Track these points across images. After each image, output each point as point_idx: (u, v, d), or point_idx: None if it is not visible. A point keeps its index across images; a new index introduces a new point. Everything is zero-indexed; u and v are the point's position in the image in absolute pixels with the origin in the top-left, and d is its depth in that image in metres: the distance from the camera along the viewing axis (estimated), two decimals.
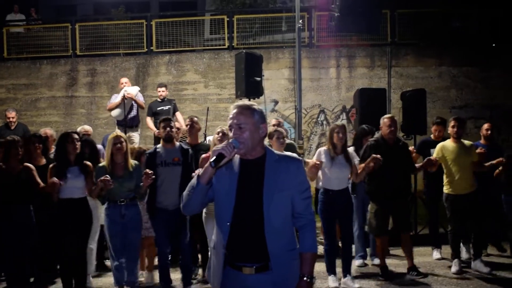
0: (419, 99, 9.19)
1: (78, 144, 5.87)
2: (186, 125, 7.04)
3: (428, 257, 7.71)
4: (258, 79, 9.23)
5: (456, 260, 6.93)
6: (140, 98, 10.14)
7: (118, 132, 6.18)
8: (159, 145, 6.21)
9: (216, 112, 13.02)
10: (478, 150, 7.16)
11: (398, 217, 6.69)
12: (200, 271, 6.80)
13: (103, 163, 5.98)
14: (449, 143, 6.99)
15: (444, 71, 13.15)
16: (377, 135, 6.85)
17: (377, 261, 7.15)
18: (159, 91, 10.30)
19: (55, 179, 5.56)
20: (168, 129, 6.08)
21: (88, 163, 5.96)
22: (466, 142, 7.07)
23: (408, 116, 9.06)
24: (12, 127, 9.36)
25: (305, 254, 3.10)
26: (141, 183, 5.75)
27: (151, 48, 14.01)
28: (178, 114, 10.23)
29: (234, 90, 10.07)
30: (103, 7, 20.80)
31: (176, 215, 5.82)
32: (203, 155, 6.11)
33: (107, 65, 13.88)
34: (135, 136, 10.04)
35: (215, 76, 13.47)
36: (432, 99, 12.44)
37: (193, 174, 5.57)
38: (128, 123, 9.81)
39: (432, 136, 7.94)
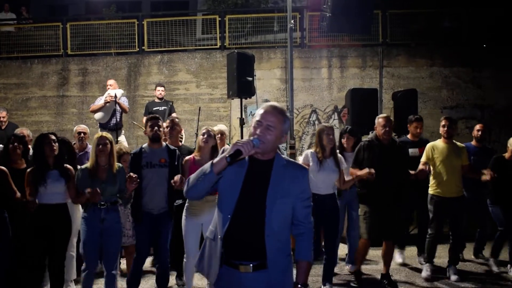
0: (410, 99, 9.23)
1: (56, 145, 5.51)
2: (167, 127, 6.68)
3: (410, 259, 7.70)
4: (250, 79, 9.22)
5: (428, 264, 6.76)
6: (125, 103, 10.02)
7: (103, 132, 5.79)
8: (144, 145, 5.86)
9: (208, 112, 13.01)
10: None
11: (387, 223, 6.21)
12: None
13: (86, 164, 5.57)
14: (439, 143, 6.74)
15: (435, 71, 13.18)
16: (371, 135, 6.54)
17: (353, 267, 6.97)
18: (158, 90, 10.26)
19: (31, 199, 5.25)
20: (155, 128, 5.72)
21: (69, 166, 5.61)
22: (458, 144, 6.83)
23: (399, 116, 9.09)
24: (3, 127, 9.32)
25: (301, 262, 3.12)
26: (125, 187, 5.44)
27: (143, 47, 13.97)
28: (174, 115, 10.20)
29: (226, 90, 10.06)
30: (95, 6, 20.72)
31: (161, 219, 5.63)
32: (186, 157, 5.82)
33: (98, 65, 13.82)
34: (121, 138, 9.92)
35: (207, 76, 13.45)
36: (423, 99, 12.48)
37: (173, 181, 5.42)
38: (112, 127, 9.68)
39: (409, 136, 7.69)
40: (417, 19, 14.13)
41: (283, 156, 3.16)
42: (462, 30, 13.77)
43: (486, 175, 6.69)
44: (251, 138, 2.97)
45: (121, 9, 19.93)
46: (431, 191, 6.77)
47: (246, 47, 13.42)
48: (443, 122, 6.78)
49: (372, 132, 6.64)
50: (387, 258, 6.43)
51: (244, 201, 2.99)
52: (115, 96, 9.46)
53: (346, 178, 6.22)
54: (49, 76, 13.83)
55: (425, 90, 12.85)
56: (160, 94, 10.24)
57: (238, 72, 9.12)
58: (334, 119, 12.96)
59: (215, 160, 2.98)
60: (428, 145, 6.82)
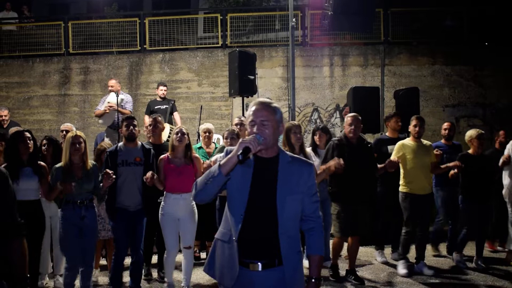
0: (412, 97, 9.22)
1: (31, 143, 5.59)
2: (149, 125, 6.86)
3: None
4: (252, 77, 9.24)
5: (403, 261, 6.85)
6: (128, 104, 9.77)
7: (77, 131, 5.80)
8: (120, 144, 6.00)
9: (210, 110, 13.01)
10: (434, 152, 7.17)
11: (355, 220, 6.33)
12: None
13: (60, 163, 5.57)
14: (409, 142, 6.88)
15: (437, 69, 13.18)
16: (340, 134, 6.62)
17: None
18: (161, 90, 10.17)
19: None
20: (131, 127, 5.87)
21: (43, 163, 5.72)
22: (425, 142, 6.98)
23: (401, 114, 9.08)
24: (5, 125, 9.31)
25: (314, 256, 3.16)
26: (101, 184, 5.57)
27: (144, 46, 13.97)
28: (176, 114, 10.19)
29: (228, 88, 10.06)
30: (96, 5, 20.71)
31: (136, 216, 5.81)
32: (161, 156, 5.98)
33: (100, 63, 13.84)
34: None
35: (208, 75, 13.45)
36: (425, 97, 12.48)
37: (145, 177, 5.61)
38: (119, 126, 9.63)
39: (387, 133, 7.82)
40: (419, 17, 14.13)
41: (287, 152, 3.18)
42: (463, 28, 13.76)
43: (452, 170, 6.94)
44: (254, 135, 2.97)
45: (122, 8, 19.89)
46: (403, 189, 6.87)
47: (247, 45, 13.42)
48: (414, 122, 6.90)
49: (341, 131, 6.72)
50: (353, 254, 6.56)
51: (254, 200, 3.00)
52: (108, 100, 9.39)
53: (318, 172, 6.25)
54: (50, 74, 13.85)
55: (427, 88, 12.85)
56: (163, 94, 10.19)
57: (240, 70, 9.13)
58: (336, 118, 12.96)
59: (223, 161, 2.97)
60: (398, 144, 6.93)
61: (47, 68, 13.91)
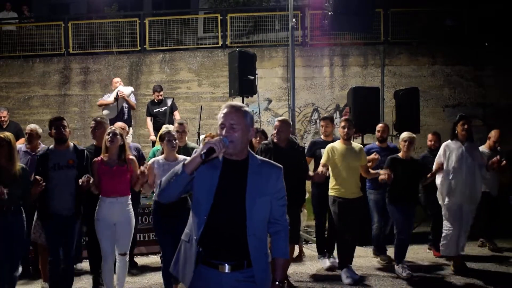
0: (412, 97, 9.22)
1: None
2: (90, 127, 6.44)
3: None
4: (252, 77, 9.21)
5: (346, 270, 6.56)
6: (133, 99, 10.03)
7: (4, 132, 5.39)
8: (51, 146, 5.61)
9: (210, 110, 13.00)
10: (372, 156, 7.00)
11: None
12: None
13: None
14: (338, 145, 6.65)
15: (437, 69, 13.19)
16: (269, 138, 6.43)
17: None
18: (159, 96, 10.15)
19: None
20: (61, 129, 5.50)
21: None
22: (355, 144, 6.79)
23: (401, 114, 9.09)
24: (4, 126, 9.30)
25: (279, 260, 3.19)
26: (31, 189, 5.22)
27: (144, 46, 13.98)
28: (176, 113, 10.18)
29: (228, 88, 10.06)
30: (96, 5, 20.68)
31: (68, 221, 5.47)
32: (94, 159, 5.64)
33: (100, 64, 13.84)
34: (128, 137, 9.86)
35: (208, 75, 13.46)
36: (425, 97, 12.48)
37: (80, 181, 5.27)
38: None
39: (322, 136, 7.55)
40: (419, 17, 14.14)
41: (257, 156, 3.21)
42: (464, 28, 13.77)
43: (383, 175, 6.65)
44: (221, 137, 2.98)
45: (122, 8, 19.88)
46: (332, 192, 6.66)
47: (247, 45, 13.42)
48: (342, 124, 6.69)
49: (272, 136, 6.44)
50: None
51: (220, 202, 3.01)
52: (117, 95, 9.49)
53: None
54: (50, 75, 13.85)
55: (427, 88, 12.86)
56: (158, 98, 10.17)
57: (240, 70, 9.11)
58: (335, 118, 12.96)
59: (187, 160, 2.99)
60: (328, 147, 6.69)
61: (47, 68, 13.91)
